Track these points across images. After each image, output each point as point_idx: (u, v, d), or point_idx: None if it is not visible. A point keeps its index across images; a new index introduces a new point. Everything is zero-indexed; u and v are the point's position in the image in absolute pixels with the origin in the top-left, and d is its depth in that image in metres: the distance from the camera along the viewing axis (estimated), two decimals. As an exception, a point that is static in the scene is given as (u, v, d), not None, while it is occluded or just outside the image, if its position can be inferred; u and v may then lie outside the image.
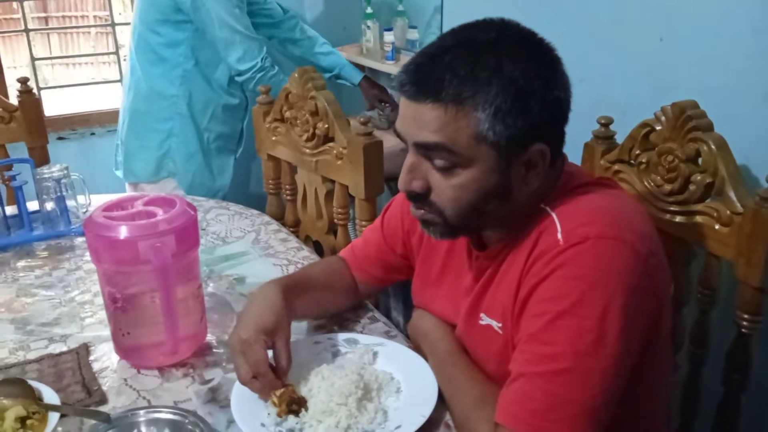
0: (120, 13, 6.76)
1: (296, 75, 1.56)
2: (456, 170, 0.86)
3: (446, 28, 2.26)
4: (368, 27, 2.62)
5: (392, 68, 2.52)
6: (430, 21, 2.43)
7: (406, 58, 2.54)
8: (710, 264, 1.15)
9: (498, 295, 0.94)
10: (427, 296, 1.12)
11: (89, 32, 7.06)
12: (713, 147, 1.08)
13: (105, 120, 2.73)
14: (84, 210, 1.69)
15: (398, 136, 0.90)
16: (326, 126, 1.52)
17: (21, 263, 1.48)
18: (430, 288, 1.10)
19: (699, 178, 1.10)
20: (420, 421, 0.93)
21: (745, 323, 1.10)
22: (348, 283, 1.22)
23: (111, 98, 2.92)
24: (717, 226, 1.10)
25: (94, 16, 7.12)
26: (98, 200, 1.69)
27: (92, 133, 2.70)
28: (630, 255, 0.83)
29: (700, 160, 1.11)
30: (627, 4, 1.55)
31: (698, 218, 1.12)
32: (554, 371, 0.81)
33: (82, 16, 6.96)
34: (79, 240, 1.60)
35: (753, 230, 1.04)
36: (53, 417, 0.92)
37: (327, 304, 1.19)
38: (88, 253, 1.49)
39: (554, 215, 0.87)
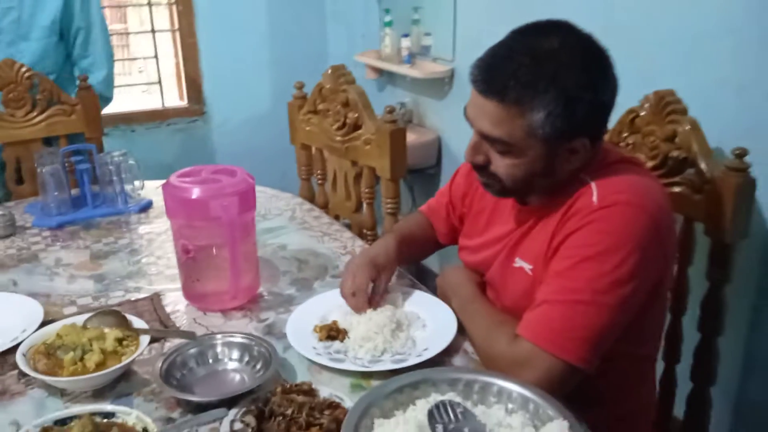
0: (135, 26, 7.01)
1: (329, 71, 1.78)
2: (510, 154, 1.05)
3: (458, 36, 2.52)
4: (387, 34, 2.85)
5: (409, 71, 2.74)
6: (443, 29, 2.65)
7: (421, 62, 2.77)
8: (687, 227, 1.35)
9: (534, 242, 1.13)
10: (473, 245, 1.30)
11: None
12: (687, 127, 1.29)
13: (144, 119, 2.97)
14: (138, 192, 1.91)
15: (466, 118, 1.09)
16: (356, 115, 1.75)
17: (88, 234, 1.70)
18: (476, 238, 1.29)
19: (676, 154, 1.31)
20: (443, 345, 1.13)
21: (716, 276, 1.31)
22: (432, 235, 1.44)
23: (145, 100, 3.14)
24: (691, 194, 1.30)
25: (111, 29, 7.41)
26: (149, 185, 1.92)
27: (133, 131, 2.94)
28: (649, 221, 1.02)
29: (677, 140, 1.32)
30: (618, 6, 1.77)
31: (676, 188, 1.33)
32: (574, 301, 1.01)
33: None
34: (135, 217, 1.82)
35: (722, 195, 1.25)
36: (144, 339, 1.13)
37: (421, 252, 1.46)
38: (144, 227, 1.72)
39: (592, 183, 1.06)
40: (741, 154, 1.22)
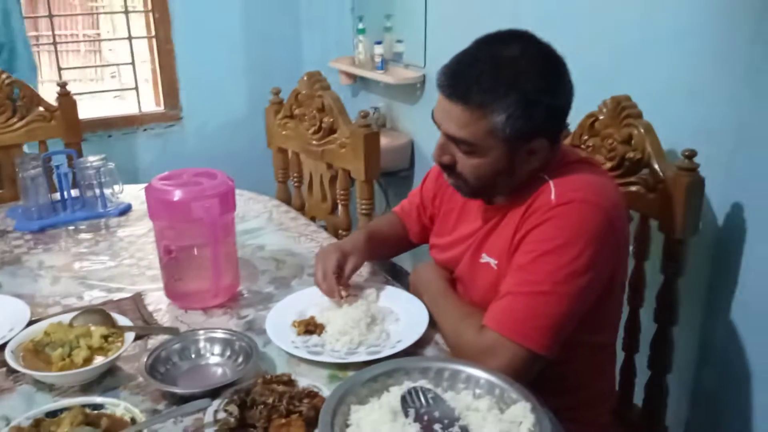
0: (108, 32, 7.02)
1: (305, 78, 1.85)
2: (474, 154, 1.13)
3: (429, 43, 2.60)
4: (360, 41, 2.92)
5: (382, 77, 2.82)
6: (414, 36, 2.73)
7: (394, 68, 2.84)
8: (642, 224, 1.44)
9: (499, 238, 1.21)
10: (442, 243, 1.37)
11: (78, 50, 7.32)
12: (642, 130, 1.38)
13: (121, 124, 3.01)
14: (117, 195, 1.94)
15: (434, 121, 1.17)
16: (331, 120, 1.81)
17: (69, 238, 1.74)
18: (446, 236, 1.37)
19: (631, 155, 1.40)
20: (415, 337, 1.20)
21: (670, 269, 1.40)
22: (404, 234, 1.51)
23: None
24: (646, 193, 1.39)
25: (84, 35, 7.40)
26: (128, 189, 1.96)
27: (110, 136, 2.97)
28: (603, 217, 1.10)
29: (632, 142, 1.41)
30: (580, 17, 1.86)
31: (632, 188, 1.41)
32: (535, 292, 1.09)
33: (72, 35, 7.23)
34: (115, 220, 1.86)
35: (673, 193, 1.33)
36: (129, 336, 1.18)
37: (392, 249, 1.53)
38: (124, 230, 1.76)
39: (551, 182, 1.14)
40: (690, 155, 1.31)
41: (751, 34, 1.38)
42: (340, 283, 1.30)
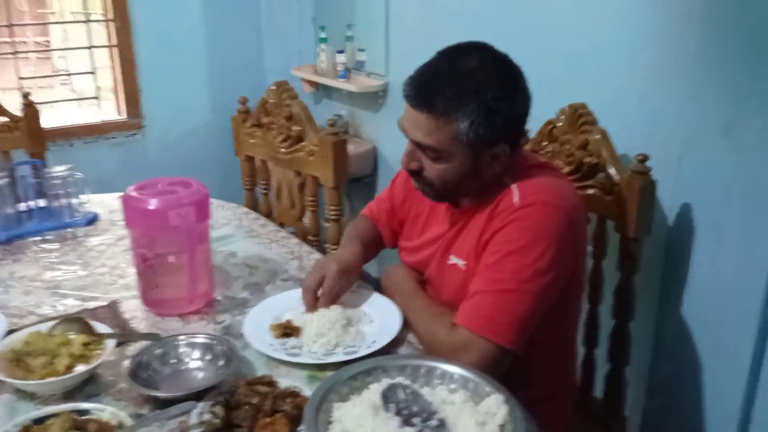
0: (59, 39, 6.88)
1: (273, 87, 1.89)
2: (440, 160, 1.20)
3: (391, 52, 2.66)
4: (322, 50, 2.96)
5: (344, 85, 2.86)
6: (376, 45, 2.78)
7: (356, 76, 2.90)
8: (600, 225, 1.52)
9: (466, 240, 1.27)
10: (412, 246, 1.43)
11: (28, 57, 7.16)
12: (598, 136, 1.46)
13: (83, 133, 2.99)
14: (84, 205, 1.94)
15: (401, 129, 1.23)
16: (299, 128, 1.85)
17: (39, 248, 1.73)
18: (415, 239, 1.42)
19: (588, 160, 1.48)
20: (389, 337, 1.25)
21: (626, 267, 1.48)
22: (380, 238, 1.55)
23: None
24: (603, 195, 1.47)
25: (34, 42, 7.24)
26: (94, 198, 1.96)
27: (71, 145, 2.95)
28: (563, 218, 1.18)
29: (589, 147, 1.49)
30: (537, 29, 1.94)
31: (590, 191, 1.50)
32: (501, 290, 1.15)
33: (21, 42, 7.07)
34: (82, 230, 1.86)
35: (628, 196, 1.42)
36: (110, 342, 1.20)
37: (372, 256, 1.55)
38: (93, 239, 1.77)
39: (513, 186, 1.22)
40: (643, 159, 1.40)
41: (694, 49, 1.48)
42: (333, 302, 1.33)
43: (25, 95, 2.12)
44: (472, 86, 1.14)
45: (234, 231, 1.84)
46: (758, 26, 1.32)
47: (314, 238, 1.97)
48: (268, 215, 2.12)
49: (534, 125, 1.62)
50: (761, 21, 1.31)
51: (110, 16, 3.03)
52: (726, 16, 1.40)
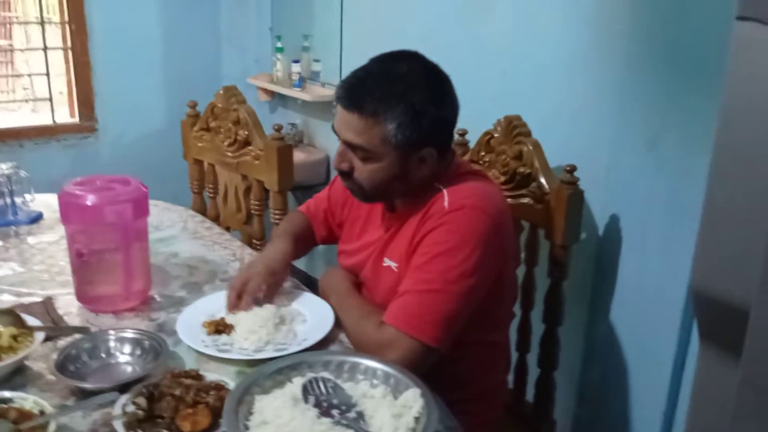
0: (21, 43, 6.79)
1: (221, 92, 1.91)
2: (370, 160, 1.24)
3: (345, 63, 2.71)
4: (278, 59, 3.00)
5: (299, 94, 2.90)
6: (331, 56, 2.83)
7: (311, 86, 2.94)
8: (532, 233, 1.58)
9: (399, 243, 1.31)
10: (350, 249, 1.46)
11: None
12: (531, 147, 1.52)
13: (34, 134, 2.96)
14: (29, 204, 1.93)
15: (334, 131, 1.27)
16: (246, 133, 1.88)
17: (-23, 244, 1.72)
18: (353, 242, 1.46)
19: (522, 170, 1.53)
20: (320, 335, 1.27)
21: (555, 274, 1.54)
22: (312, 235, 1.59)
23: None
24: (535, 204, 1.53)
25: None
26: (40, 198, 1.95)
27: (21, 146, 2.92)
28: (490, 222, 1.22)
29: (523, 158, 1.54)
30: (481, 48, 2.01)
31: (523, 200, 1.55)
32: (429, 290, 1.19)
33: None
34: (25, 228, 1.85)
35: (556, 204, 1.48)
36: (39, 335, 1.20)
37: (304, 250, 1.57)
38: (34, 237, 1.76)
39: (444, 191, 1.26)
40: (571, 170, 1.46)
41: (622, 68, 1.56)
42: (265, 301, 1.34)
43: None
44: (401, 89, 1.20)
45: (178, 233, 1.85)
46: (678, 48, 1.40)
47: (259, 242, 1.99)
48: (216, 219, 2.14)
49: (473, 137, 1.68)
50: (680, 43, 1.40)
51: (66, 18, 3.02)
52: (650, 39, 1.48)
